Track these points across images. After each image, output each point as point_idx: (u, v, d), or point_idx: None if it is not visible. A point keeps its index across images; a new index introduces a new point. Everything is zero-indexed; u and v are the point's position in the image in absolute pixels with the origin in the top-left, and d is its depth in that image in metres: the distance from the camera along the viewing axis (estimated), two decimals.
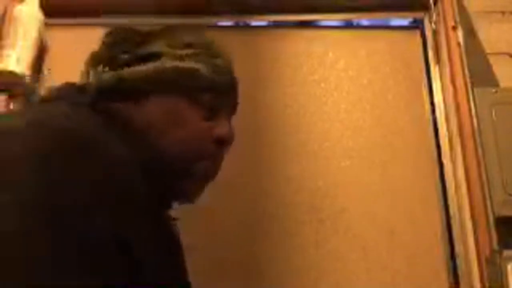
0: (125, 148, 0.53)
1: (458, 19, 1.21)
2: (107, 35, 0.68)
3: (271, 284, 1.14)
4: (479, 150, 1.08)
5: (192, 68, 0.64)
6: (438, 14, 1.29)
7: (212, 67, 0.65)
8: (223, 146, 0.67)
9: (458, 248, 1.13)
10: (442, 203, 1.19)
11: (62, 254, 0.42)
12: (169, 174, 0.62)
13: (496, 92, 1.13)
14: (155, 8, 1.35)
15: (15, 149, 0.46)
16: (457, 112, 1.16)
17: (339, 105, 1.30)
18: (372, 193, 1.21)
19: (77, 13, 1.36)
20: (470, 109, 1.13)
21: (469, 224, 1.09)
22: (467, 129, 1.12)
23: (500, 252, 1.01)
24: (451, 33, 1.22)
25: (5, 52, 1.19)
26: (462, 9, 1.24)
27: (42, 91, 1.28)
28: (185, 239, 0.74)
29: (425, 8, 1.34)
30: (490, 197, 1.04)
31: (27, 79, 1.22)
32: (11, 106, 1.21)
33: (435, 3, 1.31)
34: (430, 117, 1.27)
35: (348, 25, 1.41)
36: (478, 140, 1.09)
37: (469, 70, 1.16)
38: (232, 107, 0.71)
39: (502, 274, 0.99)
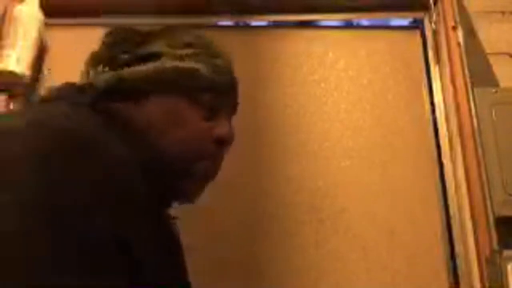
0: (125, 148, 0.53)
1: (458, 19, 1.21)
2: (107, 35, 0.68)
3: (271, 284, 1.14)
4: (479, 150, 1.08)
5: (192, 68, 0.64)
6: (438, 14, 1.29)
7: (212, 67, 0.65)
8: (223, 146, 0.67)
9: (458, 248, 1.13)
10: (442, 203, 1.19)
11: (62, 254, 0.42)
12: (169, 174, 0.62)
13: (496, 92, 1.13)
14: (155, 8, 1.35)
15: (15, 149, 0.46)
16: (457, 112, 1.16)
17: (339, 105, 1.30)
18: (372, 193, 1.21)
19: (77, 13, 1.36)
20: (470, 109, 1.13)
21: (469, 224, 1.09)
22: (467, 129, 1.12)
23: (500, 252, 1.01)
24: (451, 33, 1.22)
25: (5, 52, 1.19)
26: (462, 9, 1.24)
27: (42, 91, 1.28)
28: (185, 239, 0.74)
29: (425, 8, 1.33)
30: (490, 197, 1.04)
31: (27, 79, 1.22)
32: (11, 106, 1.21)
33: (435, 3, 1.31)
34: (430, 117, 1.27)
35: (348, 25, 1.41)
36: (478, 140, 1.09)
37: (469, 70, 1.16)
38: (232, 107, 0.71)
39: (502, 274, 0.99)
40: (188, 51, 0.65)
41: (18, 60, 1.19)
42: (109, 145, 0.52)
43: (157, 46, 0.64)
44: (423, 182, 1.21)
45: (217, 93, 0.66)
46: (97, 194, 0.46)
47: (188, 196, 0.67)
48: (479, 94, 1.12)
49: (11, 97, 1.22)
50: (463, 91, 1.15)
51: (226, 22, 1.41)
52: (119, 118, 0.60)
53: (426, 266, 1.14)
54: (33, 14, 1.25)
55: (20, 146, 0.47)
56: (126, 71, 0.62)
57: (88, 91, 0.61)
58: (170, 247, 0.61)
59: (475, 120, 1.11)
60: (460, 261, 1.12)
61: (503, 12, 1.26)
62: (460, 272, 1.12)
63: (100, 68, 0.64)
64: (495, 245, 1.03)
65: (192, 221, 1.06)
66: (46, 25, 1.30)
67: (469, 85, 1.14)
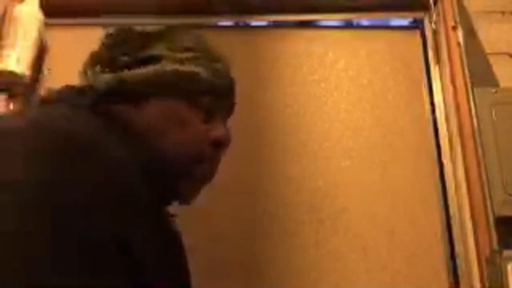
0: (125, 150, 0.53)
1: (458, 19, 1.21)
2: (107, 36, 0.68)
3: (271, 284, 1.14)
4: (479, 150, 1.08)
5: (192, 71, 0.64)
6: (438, 14, 1.29)
7: (212, 70, 0.66)
8: (220, 148, 0.67)
9: (458, 248, 1.13)
10: (442, 203, 1.19)
11: (62, 254, 0.42)
12: (168, 175, 0.63)
13: (496, 92, 1.13)
14: (155, 8, 1.35)
15: (15, 149, 0.46)
16: (457, 112, 1.16)
17: (339, 105, 1.30)
18: (372, 193, 1.21)
19: (77, 13, 1.36)
20: (470, 109, 1.13)
21: (469, 224, 1.09)
22: (467, 129, 1.12)
23: (500, 252, 1.01)
24: (451, 33, 1.22)
25: (5, 52, 1.19)
26: (462, 9, 1.24)
27: (42, 91, 1.28)
28: (185, 240, 0.74)
29: (425, 8, 1.33)
30: (490, 197, 1.04)
31: (27, 79, 1.22)
32: (11, 106, 1.21)
33: (435, 3, 1.31)
34: (430, 117, 1.27)
35: (348, 25, 1.41)
36: (478, 140, 1.09)
37: (469, 70, 1.16)
38: (228, 110, 0.71)
39: (502, 274, 0.99)
40: (188, 54, 0.65)
41: (18, 60, 1.19)
42: (110, 147, 0.52)
43: (157, 49, 0.64)
44: (423, 182, 1.21)
45: (216, 96, 0.66)
46: (98, 195, 0.46)
47: (185, 198, 0.67)
48: (479, 94, 1.12)
49: (11, 97, 1.22)
50: (463, 91, 1.15)
51: (226, 22, 1.41)
52: (119, 120, 0.60)
53: (426, 266, 1.14)
54: (33, 14, 1.25)
55: (20, 146, 0.47)
56: (127, 74, 0.63)
57: (88, 93, 0.61)
58: (171, 247, 0.61)
59: (475, 120, 1.11)
60: (460, 261, 1.12)
61: (503, 12, 1.26)
62: (460, 272, 1.12)
63: (98, 69, 0.64)
64: (495, 245, 1.03)
65: (192, 221, 1.06)
66: (46, 25, 1.30)
67: (469, 85, 1.14)
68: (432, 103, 1.28)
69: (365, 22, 1.42)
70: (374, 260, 1.15)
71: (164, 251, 0.57)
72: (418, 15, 1.36)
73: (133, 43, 0.66)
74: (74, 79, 0.66)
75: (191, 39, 0.68)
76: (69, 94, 0.62)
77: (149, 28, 0.68)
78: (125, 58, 0.64)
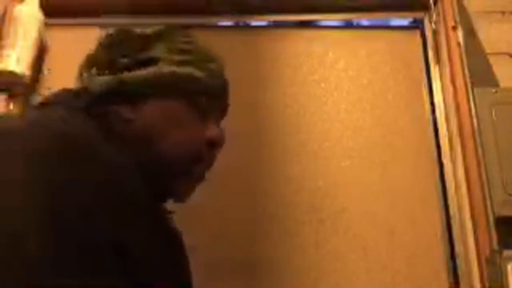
0: (124, 151, 0.54)
1: (458, 19, 1.21)
2: (105, 37, 0.69)
3: (271, 284, 1.14)
4: (479, 150, 1.08)
5: (189, 72, 0.65)
6: (438, 14, 1.29)
7: (207, 71, 0.67)
8: (215, 148, 0.68)
9: (458, 248, 1.13)
10: (442, 203, 1.19)
11: (62, 254, 0.42)
12: (166, 175, 0.64)
13: (496, 92, 1.13)
14: (155, 8, 1.35)
15: (15, 149, 0.46)
16: (457, 112, 1.16)
17: (339, 105, 1.30)
18: (372, 193, 1.21)
19: (77, 13, 1.36)
20: (470, 109, 1.13)
21: (469, 224, 1.09)
22: (467, 129, 1.12)
23: (500, 252, 1.01)
24: (451, 33, 1.22)
25: (5, 52, 1.19)
26: (462, 9, 1.24)
27: (42, 91, 1.28)
28: (185, 239, 0.74)
29: (425, 8, 1.33)
30: (490, 197, 1.04)
31: (27, 79, 1.22)
32: (11, 106, 1.21)
33: (435, 3, 1.31)
34: (430, 117, 1.27)
35: (348, 25, 1.41)
36: (478, 140, 1.09)
37: (469, 70, 1.16)
38: (222, 111, 0.73)
39: (502, 274, 0.99)
40: (185, 56, 0.66)
41: (18, 60, 1.19)
42: (108, 148, 0.52)
43: (156, 51, 0.65)
44: (423, 182, 1.21)
45: (211, 97, 0.68)
46: (98, 196, 0.46)
47: (181, 196, 0.68)
48: (479, 94, 1.12)
49: (11, 97, 1.22)
50: (463, 91, 1.15)
51: (226, 22, 1.41)
52: (116, 122, 0.61)
53: (426, 266, 1.14)
54: (33, 14, 1.25)
55: (20, 147, 0.47)
56: (127, 75, 0.63)
57: (83, 96, 0.62)
58: (171, 247, 0.61)
59: (475, 120, 1.11)
60: (460, 261, 1.12)
61: (503, 12, 1.26)
62: (460, 272, 1.12)
63: (94, 71, 0.64)
64: (495, 245, 1.03)
65: (192, 221, 1.06)
66: (46, 25, 1.30)
67: (469, 85, 1.14)
68: (432, 103, 1.28)
69: (365, 22, 1.42)
70: (374, 260, 1.15)
71: (164, 251, 0.57)
72: (418, 15, 1.36)
73: (132, 45, 0.66)
74: (74, 79, 0.67)
75: (187, 40, 0.69)
76: (65, 97, 0.63)
77: (147, 30, 0.68)
78: (125, 60, 0.64)
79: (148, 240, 0.52)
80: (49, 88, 1.25)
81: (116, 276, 0.46)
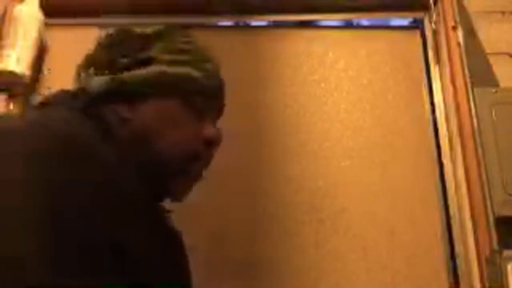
0: (121, 151, 0.54)
1: (458, 19, 1.21)
2: (104, 37, 0.69)
3: (271, 284, 1.14)
4: (479, 150, 1.08)
5: (186, 73, 0.66)
6: (438, 14, 1.29)
7: (204, 71, 0.67)
8: (212, 147, 0.69)
9: (458, 248, 1.13)
10: (442, 203, 1.19)
11: (62, 254, 0.42)
12: (164, 174, 0.64)
13: (496, 92, 1.13)
14: (155, 8, 1.35)
15: (15, 149, 0.46)
16: (457, 112, 1.16)
17: (339, 105, 1.30)
18: (372, 193, 1.21)
19: (77, 13, 1.36)
20: (470, 109, 1.13)
21: (469, 224, 1.09)
22: (467, 129, 1.12)
23: (500, 252, 1.01)
24: (451, 33, 1.22)
25: (5, 52, 1.19)
26: (462, 9, 1.24)
27: (42, 91, 1.28)
28: (185, 239, 0.74)
29: (425, 8, 1.33)
30: (490, 197, 1.04)
31: (27, 79, 1.22)
32: (11, 106, 1.21)
33: (435, 3, 1.31)
34: (430, 117, 1.27)
35: (348, 25, 1.41)
36: (478, 140, 1.09)
37: (469, 70, 1.16)
38: (218, 111, 0.73)
39: (502, 274, 0.99)
40: (183, 56, 0.66)
41: (18, 60, 1.19)
42: (105, 149, 0.53)
43: (155, 51, 0.65)
44: (423, 182, 1.21)
45: (207, 97, 0.68)
46: (96, 196, 0.47)
47: (178, 195, 0.68)
48: (479, 94, 1.12)
49: (11, 97, 1.22)
50: (463, 91, 1.15)
51: (226, 22, 1.41)
52: (114, 121, 0.61)
53: (426, 266, 1.14)
54: (33, 14, 1.25)
55: (20, 147, 0.47)
56: (127, 75, 0.63)
57: (80, 96, 0.62)
58: (170, 247, 0.61)
59: (475, 120, 1.11)
60: (460, 261, 1.12)
61: (503, 12, 1.26)
62: (460, 272, 1.12)
63: (92, 71, 0.65)
64: (495, 245, 1.03)
65: (192, 221, 1.06)
66: (46, 25, 1.30)
67: (469, 85, 1.14)
68: (432, 103, 1.28)
69: (365, 22, 1.42)
70: (374, 260, 1.15)
71: (163, 250, 0.57)
72: (418, 15, 1.36)
73: (132, 45, 0.66)
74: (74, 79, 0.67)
75: (186, 40, 0.69)
76: (63, 97, 0.63)
77: (147, 29, 0.68)
78: (125, 60, 0.65)
79: (147, 240, 0.52)
80: (49, 88, 1.25)
81: (115, 276, 0.46)
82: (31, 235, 0.41)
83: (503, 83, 1.17)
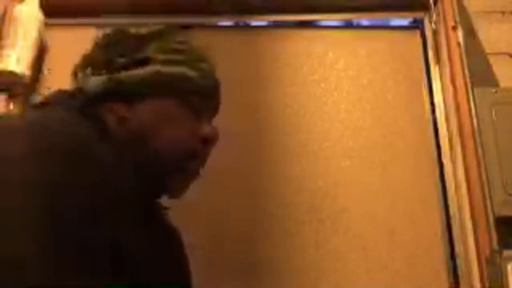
0: (119, 150, 0.55)
1: (458, 19, 1.21)
2: (101, 37, 0.69)
3: (271, 284, 1.14)
4: (479, 150, 1.08)
5: (182, 72, 0.66)
6: (438, 14, 1.29)
7: (199, 71, 0.68)
8: (208, 145, 0.69)
9: (458, 248, 1.13)
10: (442, 203, 1.19)
11: (61, 254, 0.42)
12: (162, 172, 0.64)
13: (496, 92, 1.13)
14: (155, 8, 1.35)
15: (15, 149, 0.46)
16: (457, 112, 1.16)
17: (339, 105, 1.30)
18: (372, 193, 1.21)
19: (77, 13, 1.36)
20: (470, 109, 1.13)
21: (469, 224, 1.09)
22: (467, 129, 1.12)
23: (500, 252, 1.01)
24: (451, 33, 1.22)
25: (5, 52, 1.19)
26: (462, 9, 1.24)
27: (42, 91, 1.28)
28: (185, 239, 0.74)
29: (425, 8, 1.33)
30: (490, 197, 1.04)
31: (27, 79, 1.22)
32: (11, 106, 1.21)
33: (435, 3, 1.31)
34: (430, 117, 1.27)
35: (348, 25, 1.41)
36: (478, 140, 1.09)
37: (469, 70, 1.16)
38: (213, 110, 0.73)
39: (502, 274, 0.99)
40: (178, 56, 0.67)
41: (18, 60, 1.19)
42: (102, 149, 0.53)
43: (151, 51, 0.66)
44: (423, 182, 1.21)
45: (203, 96, 0.69)
46: (95, 196, 0.47)
47: (176, 192, 0.68)
48: (479, 94, 1.12)
49: (11, 97, 1.22)
50: (463, 91, 1.15)
51: (226, 22, 1.41)
52: (111, 121, 0.62)
53: (426, 266, 1.14)
54: (33, 14, 1.25)
55: (20, 147, 0.47)
56: (124, 75, 0.64)
57: (78, 96, 0.62)
58: (170, 247, 0.61)
59: (475, 120, 1.11)
60: (460, 261, 1.12)
61: (503, 12, 1.26)
62: (460, 272, 1.12)
63: (89, 71, 0.65)
64: (495, 245, 1.03)
65: (192, 221, 1.07)
66: (46, 25, 1.30)
67: (469, 85, 1.14)
68: (432, 103, 1.28)
69: (365, 22, 1.41)
70: (374, 260, 1.15)
71: (162, 250, 0.57)
72: (418, 15, 1.36)
73: (128, 45, 0.67)
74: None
75: (181, 40, 0.70)
76: (61, 97, 0.63)
77: (141, 30, 0.69)
78: (122, 60, 0.65)
79: (147, 240, 0.52)
80: (49, 88, 1.25)
81: (115, 276, 0.46)
82: (31, 235, 0.41)
83: (503, 83, 1.17)
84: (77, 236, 0.43)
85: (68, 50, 1.30)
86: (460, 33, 1.20)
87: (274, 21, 1.40)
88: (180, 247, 0.71)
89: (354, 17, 1.39)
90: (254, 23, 1.42)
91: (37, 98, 1.09)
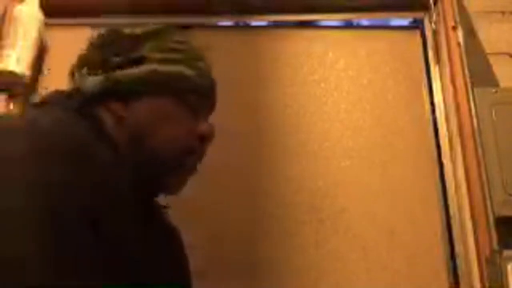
0: (116, 150, 0.55)
1: (458, 19, 1.21)
2: (96, 37, 0.70)
3: (271, 284, 1.14)
4: (479, 150, 1.08)
5: (179, 71, 0.66)
6: (438, 14, 1.29)
7: (197, 70, 0.68)
8: (205, 142, 0.70)
9: (458, 248, 1.13)
10: (442, 203, 1.19)
11: (62, 254, 0.42)
12: (159, 170, 0.64)
13: (496, 92, 1.13)
14: (155, 8, 1.35)
15: (15, 149, 0.46)
16: (457, 112, 1.16)
17: (339, 105, 1.30)
18: (372, 193, 1.21)
19: (77, 13, 1.36)
20: (470, 109, 1.13)
21: (469, 224, 1.09)
22: (467, 129, 1.12)
23: (500, 252, 1.01)
24: (451, 33, 1.22)
25: (5, 52, 1.19)
26: (462, 9, 1.24)
27: (42, 91, 1.28)
28: (185, 239, 0.74)
29: (425, 8, 1.33)
30: (490, 197, 1.04)
31: (27, 79, 1.22)
32: (11, 106, 1.21)
33: (435, 3, 1.31)
34: (430, 117, 1.27)
35: (348, 25, 1.41)
36: (478, 140, 1.09)
37: (469, 70, 1.16)
38: (210, 108, 0.74)
39: (502, 274, 0.99)
40: (175, 55, 0.67)
41: (18, 60, 1.19)
42: (100, 148, 0.53)
43: (147, 50, 0.66)
44: (423, 182, 1.21)
45: (200, 95, 0.69)
46: (94, 196, 0.47)
47: (173, 189, 0.68)
48: (479, 94, 1.12)
49: (11, 97, 1.22)
50: (463, 91, 1.15)
51: (226, 22, 1.41)
52: (108, 120, 0.62)
53: (426, 266, 1.14)
54: (33, 14, 1.25)
55: (20, 147, 0.47)
56: (120, 74, 0.64)
57: (75, 96, 0.63)
58: (169, 247, 0.61)
59: (475, 120, 1.11)
60: (460, 261, 1.12)
61: (503, 12, 1.26)
62: (460, 272, 1.12)
63: (85, 71, 0.65)
64: (495, 245, 1.03)
65: (192, 221, 1.06)
66: (46, 25, 1.30)
67: (469, 85, 1.14)
68: (432, 103, 1.28)
69: (365, 22, 1.42)
70: (374, 260, 1.15)
71: (162, 250, 0.57)
72: (418, 15, 1.36)
73: (123, 44, 0.67)
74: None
75: (177, 39, 0.70)
76: (59, 98, 0.64)
77: (136, 30, 0.69)
78: (117, 59, 0.65)
79: (146, 240, 0.52)
80: (48, 88, 1.25)
81: (115, 276, 0.46)
82: (31, 235, 0.41)
83: (503, 83, 1.17)
84: (77, 236, 0.43)
85: (68, 50, 1.29)
86: (460, 33, 1.20)
87: (274, 21, 1.40)
88: (180, 246, 0.71)
89: (354, 17, 1.39)
90: (254, 23, 1.42)
91: (35, 98, 1.09)
